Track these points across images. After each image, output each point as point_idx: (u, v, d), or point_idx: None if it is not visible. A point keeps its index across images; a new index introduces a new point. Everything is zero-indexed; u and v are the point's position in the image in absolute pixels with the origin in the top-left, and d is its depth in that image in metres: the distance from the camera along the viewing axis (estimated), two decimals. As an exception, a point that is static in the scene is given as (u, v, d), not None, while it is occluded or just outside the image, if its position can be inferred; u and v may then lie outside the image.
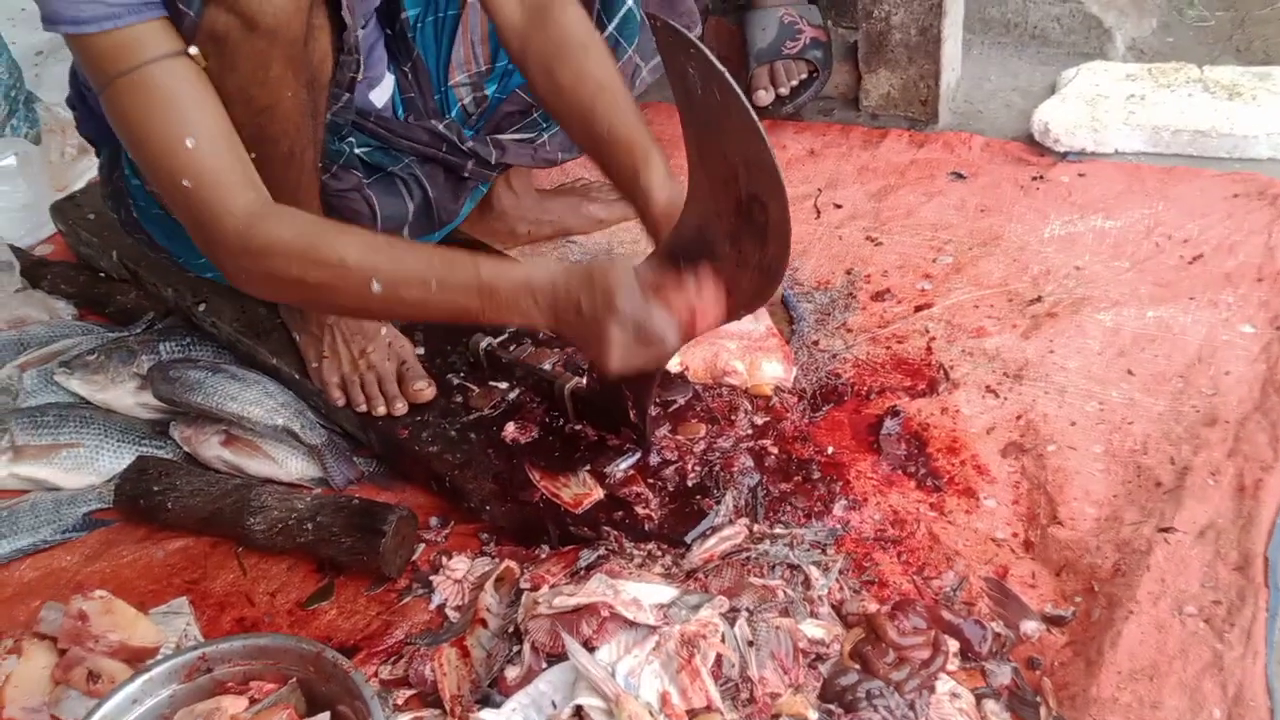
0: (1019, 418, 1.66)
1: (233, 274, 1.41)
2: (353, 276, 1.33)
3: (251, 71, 1.38)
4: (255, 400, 1.73)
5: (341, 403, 1.73)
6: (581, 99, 1.53)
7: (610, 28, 1.81)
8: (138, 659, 1.36)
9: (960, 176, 2.25)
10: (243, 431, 1.74)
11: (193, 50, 1.33)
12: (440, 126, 1.76)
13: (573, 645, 1.22)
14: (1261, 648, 1.26)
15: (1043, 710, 1.26)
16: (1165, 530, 1.42)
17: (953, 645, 1.32)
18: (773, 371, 1.74)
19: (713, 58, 1.11)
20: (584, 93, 1.52)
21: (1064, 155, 2.24)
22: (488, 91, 1.88)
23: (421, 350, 1.79)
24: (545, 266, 1.36)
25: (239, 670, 1.25)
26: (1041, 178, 2.19)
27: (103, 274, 2.19)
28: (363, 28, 1.60)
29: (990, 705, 1.26)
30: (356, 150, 1.70)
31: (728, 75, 1.11)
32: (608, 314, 1.26)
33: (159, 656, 1.35)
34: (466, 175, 1.84)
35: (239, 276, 1.41)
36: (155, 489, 1.66)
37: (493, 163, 1.83)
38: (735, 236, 1.22)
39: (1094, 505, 1.50)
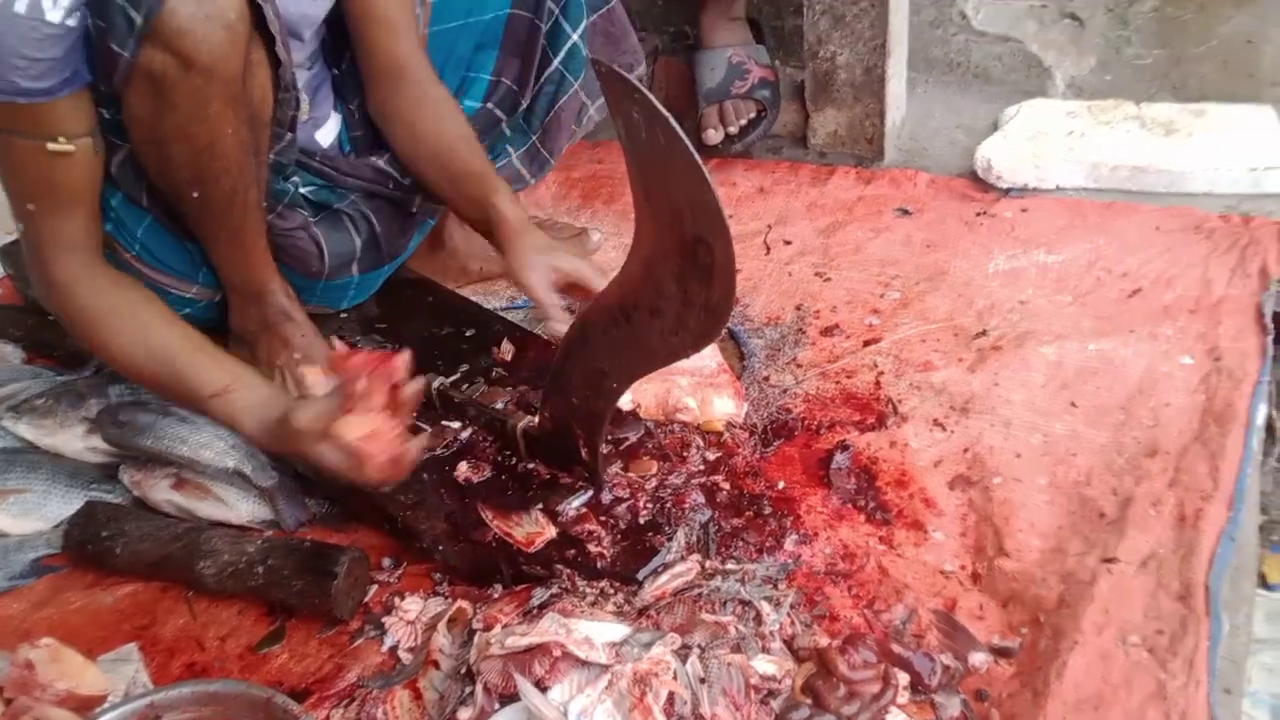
0: (966, 451, 1.68)
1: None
2: (117, 365, 1.57)
3: (191, 110, 1.39)
4: (205, 443, 1.71)
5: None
6: (442, 142, 1.73)
7: (555, 62, 1.84)
8: (86, 708, 1.34)
9: (906, 213, 2.29)
10: (193, 474, 1.73)
11: (52, 146, 1.42)
12: (381, 162, 1.77)
13: (524, 686, 1.22)
14: (1204, 676, 1.28)
15: (991, 741, 1.27)
16: (1109, 561, 1.44)
17: (903, 678, 1.33)
18: (724, 408, 1.75)
19: (656, 102, 1.13)
20: (444, 139, 1.73)
21: (1007, 191, 2.29)
22: None
23: (374, 391, 1.78)
24: (253, 412, 1.51)
25: (188, 717, 1.24)
26: (985, 213, 2.23)
27: (51, 317, 2.16)
28: (309, 69, 1.61)
29: (940, 737, 1.28)
30: (302, 189, 1.70)
31: (671, 119, 1.12)
32: (305, 461, 1.49)
33: (107, 704, 1.33)
34: (415, 210, 1.84)
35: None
36: (104, 534, 1.65)
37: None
38: (681, 277, 1.23)
39: (1039, 537, 1.52)
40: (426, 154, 1.74)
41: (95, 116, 1.44)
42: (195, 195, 1.48)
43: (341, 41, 1.75)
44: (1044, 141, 2.32)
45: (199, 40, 1.35)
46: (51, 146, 1.41)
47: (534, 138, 1.93)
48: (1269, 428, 1.75)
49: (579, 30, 1.87)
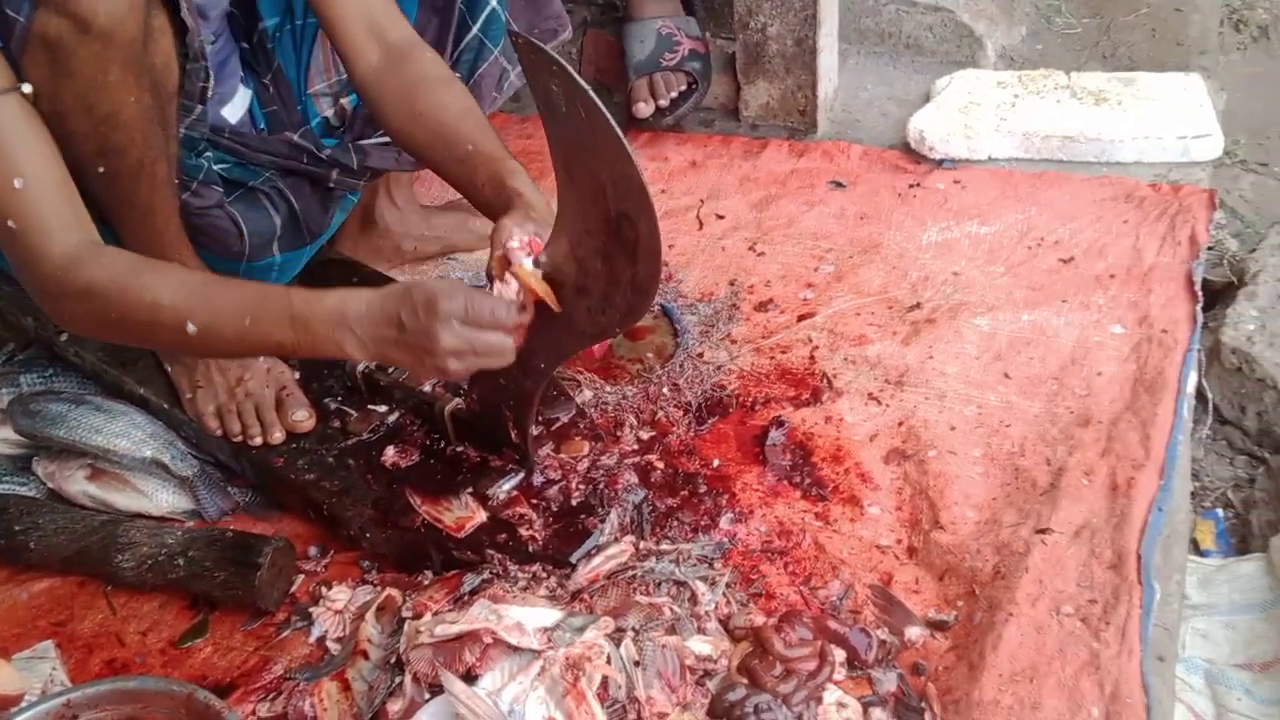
0: (901, 424, 1.67)
1: (56, 316, 1.42)
2: (168, 318, 1.34)
3: (89, 77, 1.33)
4: (121, 432, 1.66)
5: (219, 434, 1.67)
6: (444, 121, 1.53)
7: (475, 29, 1.79)
8: (0, 708, 1.30)
9: (840, 185, 2.27)
10: (109, 465, 1.68)
11: (26, 88, 1.31)
12: (295, 137, 1.72)
13: (448, 680, 1.18)
14: (1136, 645, 1.29)
15: (928, 716, 1.26)
16: (1042, 531, 1.44)
17: (839, 655, 1.32)
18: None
19: (576, 75, 1.10)
20: (446, 117, 1.54)
21: (939, 162, 2.28)
22: (345, 102, 1.83)
23: (297, 374, 1.74)
24: (360, 294, 1.34)
25: (106, 715, 1.21)
26: (918, 185, 2.22)
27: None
28: (213, 43, 1.55)
29: (877, 713, 1.27)
30: (215, 167, 1.65)
31: (591, 93, 1.09)
32: (430, 319, 1.25)
33: (22, 704, 1.29)
34: (332, 185, 1.80)
35: (63, 319, 1.43)
36: (16, 528, 1.59)
37: (355, 169, 1.79)
38: (606, 254, 1.21)
39: (974, 509, 1.52)
40: (426, 133, 1.57)
41: None
42: (101, 170, 1.43)
43: (250, 15, 1.69)
44: (975, 112, 2.31)
45: (95, 2, 1.30)
46: (26, 88, 1.30)
47: None
48: (1199, 395, 1.76)
49: None
